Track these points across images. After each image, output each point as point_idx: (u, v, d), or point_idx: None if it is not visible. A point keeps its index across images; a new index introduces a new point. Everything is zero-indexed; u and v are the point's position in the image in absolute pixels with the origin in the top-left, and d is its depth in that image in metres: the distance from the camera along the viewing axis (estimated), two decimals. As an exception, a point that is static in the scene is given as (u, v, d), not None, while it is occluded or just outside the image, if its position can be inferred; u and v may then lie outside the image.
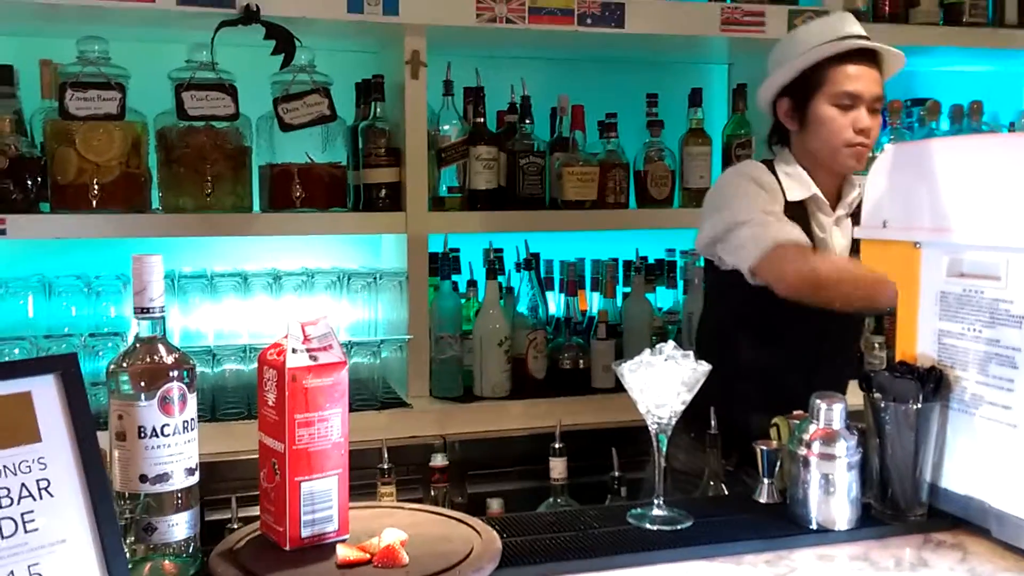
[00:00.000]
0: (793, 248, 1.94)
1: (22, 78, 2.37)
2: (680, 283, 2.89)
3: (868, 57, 2.06)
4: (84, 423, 1.08)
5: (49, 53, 2.36)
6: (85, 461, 1.07)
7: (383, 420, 2.40)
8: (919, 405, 1.45)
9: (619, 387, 2.79)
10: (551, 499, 1.93)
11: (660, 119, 2.83)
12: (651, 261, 2.87)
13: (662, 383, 1.44)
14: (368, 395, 2.49)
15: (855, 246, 2.05)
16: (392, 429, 2.33)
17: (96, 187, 2.29)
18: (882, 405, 1.47)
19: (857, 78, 2.03)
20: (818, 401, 1.44)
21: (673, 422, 1.48)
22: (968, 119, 3.01)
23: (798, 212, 2.08)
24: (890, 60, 2.11)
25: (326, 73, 2.45)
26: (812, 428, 1.44)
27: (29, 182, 2.26)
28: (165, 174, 2.40)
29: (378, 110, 2.54)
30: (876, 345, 2.93)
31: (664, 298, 2.92)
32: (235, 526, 1.73)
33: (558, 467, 1.92)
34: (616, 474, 2.00)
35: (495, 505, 1.93)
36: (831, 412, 1.43)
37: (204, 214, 2.37)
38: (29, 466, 1.04)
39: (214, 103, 2.34)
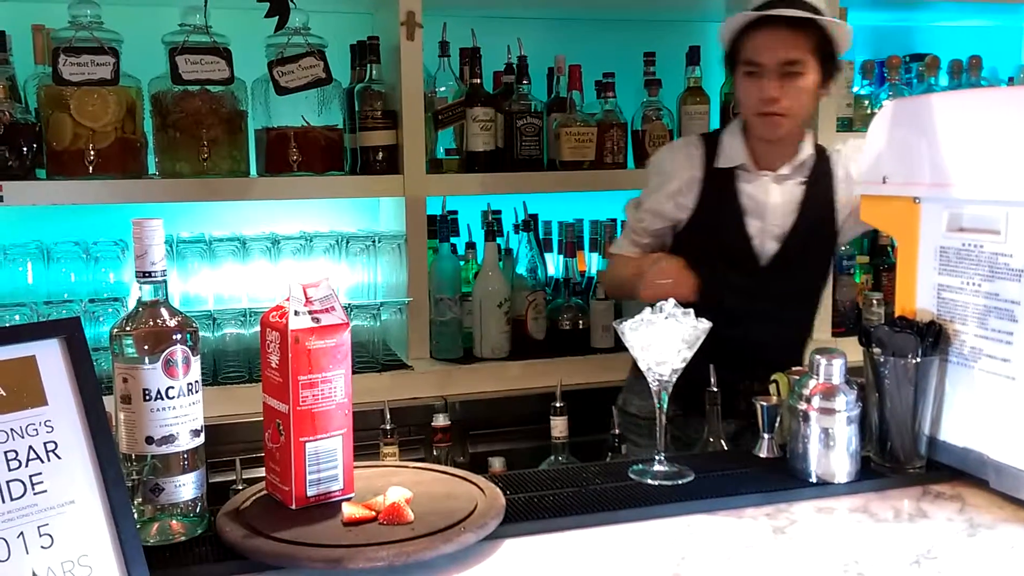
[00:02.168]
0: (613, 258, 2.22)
1: (14, 44, 2.35)
2: (678, 243, 2.89)
3: (788, 22, 1.99)
4: (89, 386, 1.08)
5: (41, 18, 2.34)
6: (91, 423, 1.07)
7: (384, 382, 2.41)
8: (918, 359, 1.46)
9: (618, 347, 2.81)
10: (552, 457, 1.95)
11: (658, 78, 2.81)
12: (649, 221, 2.86)
13: (663, 341, 1.45)
14: (369, 357, 2.50)
15: (805, 208, 2.10)
16: (394, 391, 2.35)
17: (92, 153, 2.28)
18: (881, 360, 1.48)
19: (759, 46, 2.01)
20: (818, 356, 1.45)
21: (674, 379, 1.49)
22: (967, 74, 3.00)
23: (724, 177, 2.12)
24: (829, 24, 2.04)
25: (321, 35, 2.43)
26: (812, 383, 1.45)
27: (24, 148, 2.25)
28: (161, 139, 2.39)
29: (374, 72, 2.52)
30: (874, 301, 2.92)
31: (663, 258, 2.92)
32: (240, 487, 1.75)
33: (559, 426, 1.94)
34: (616, 432, 2.01)
35: (497, 464, 1.95)
36: (831, 367, 1.44)
37: (201, 179, 2.36)
38: (36, 429, 1.04)
39: (209, 67, 2.32)
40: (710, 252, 2.08)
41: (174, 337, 1.21)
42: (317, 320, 1.27)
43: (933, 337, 1.47)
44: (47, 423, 1.05)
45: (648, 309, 1.51)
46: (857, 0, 2.80)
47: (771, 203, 2.11)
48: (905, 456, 1.49)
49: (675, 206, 2.15)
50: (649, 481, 1.46)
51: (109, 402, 1.18)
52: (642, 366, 1.50)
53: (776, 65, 2.00)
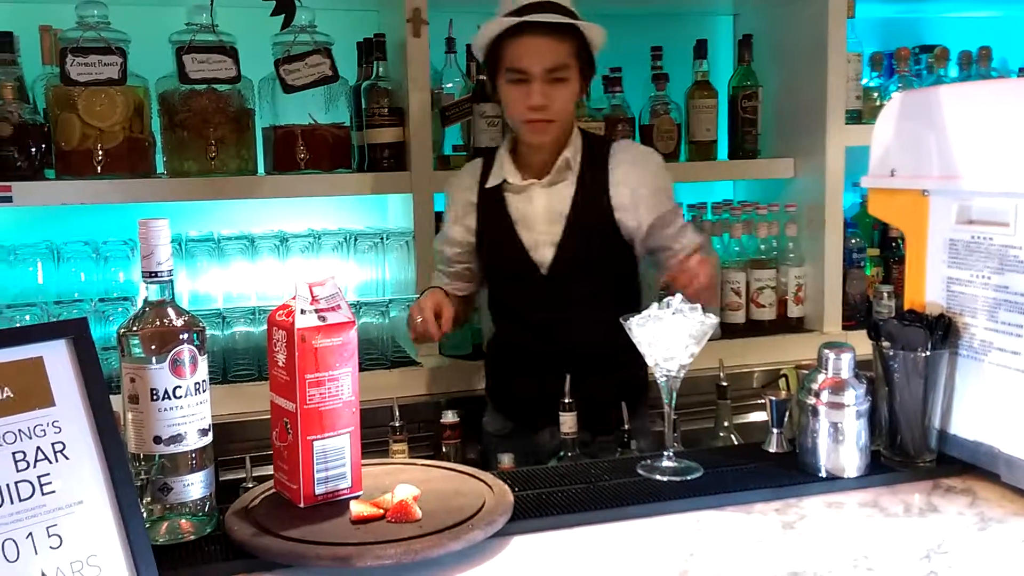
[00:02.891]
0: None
1: (22, 44, 2.35)
2: (687, 237, 2.88)
3: (548, 27, 1.96)
4: (97, 386, 1.08)
5: (48, 19, 2.35)
6: (99, 424, 1.08)
7: (394, 379, 2.41)
8: (928, 352, 1.45)
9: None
10: (562, 453, 1.94)
11: (665, 72, 2.80)
12: (658, 215, 2.86)
13: (670, 336, 1.45)
14: (378, 354, 2.50)
15: (578, 207, 2.07)
16: (403, 387, 2.35)
17: (100, 152, 2.28)
18: (891, 353, 1.47)
19: (525, 53, 1.97)
20: (826, 351, 1.45)
21: (682, 374, 1.49)
22: (977, 65, 2.98)
23: (495, 194, 2.13)
24: (584, 28, 2.00)
25: (327, 33, 2.43)
26: (821, 377, 1.45)
27: (33, 149, 2.26)
28: (169, 138, 2.39)
29: (380, 69, 2.52)
30: (885, 294, 2.92)
31: (671, 253, 2.91)
32: (249, 485, 1.75)
33: (568, 422, 1.93)
34: (626, 427, 2.01)
35: (506, 460, 1.94)
36: (839, 361, 1.44)
37: (209, 177, 2.37)
38: (44, 430, 1.05)
39: (215, 66, 2.32)
40: (497, 268, 2.17)
41: (181, 337, 1.21)
42: (323, 318, 1.28)
43: (943, 330, 1.46)
44: (55, 424, 1.05)
45: (655, 305, 1.50)
46: (865, -9, 2.78)
47: (537, 211, 2.09)
48: (915, 450, 1.49)
49: (463, 229, 2.18)
50: (658, 477, 1.46)
51: (117, 402, 1.18)
52: (649, 362, 1.49)
53: (542, 72, 1.97)
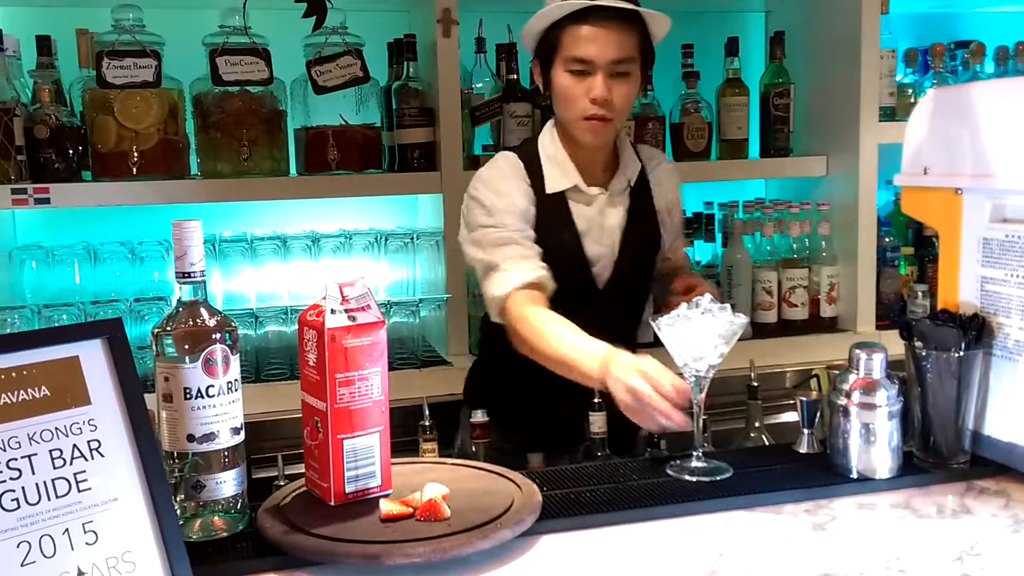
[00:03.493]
0: (512, 317, 1.82)
1: (59, 48, 2.39)
2: (718, 236, 2.87)
3: (616, 15, 1.81)
4: (131, 385, 1.10)
5: (85, 22, 2.39)
6: (134, 422, 1.09)
7: (424, 378, 2.42)
8: (961, 353, 1.43)
9: (657, 342, 2.81)
10: (592, 452, 1.94)
11: (696, 70, 2.79)
12: (688, 214, 2.84)
13: (699, 336, 1.44)
14: (408, 354, 2.51)
15: (633, 219, 1.97)
16: (433, 387, 2.36)
17: (135, 154, 2.32)
18: (923, 353, 1.46)
19: (590, 41, 1.81)
20: (858, 351, 1.44)
21: (711, 375, 1.48)
22: (1014, 60, 2.94)
23: (558, 202, 1.93)
24: (648, 18, 1.87)
25: (358, 34, 2.45)
26: (852, 378, 1.44)
27: (70, 151, 2.30)
28: (202, 139, 2.42)
29: (411, 70, 2.53)
30: (919, 293, 2.87)
31: (702, 251, 2.90)
32: (282, 483, 1.77)
33: (598, 421, 1.92)
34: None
35: (535, 460, 1.94)
36: (871, 362, 1.43)
37: (242, 178, 2.39)
38: (80, 428, 1.07)
39: (248, 68, 2.35)
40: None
41: (213, 336, 1.23)
42: (353, 318, 1.29)
43: (976, 330, 1.45)
44: (91, 422, 1.07)
45: (684, 305, 1.50)
46: (899, -13, 2.75)
47: (607, 224, 1.97)
48: (948, 451, 1.47)
49: (529, 222, 1.91)
50: (687, 477, 1.46)
51: (151, 400, 1.20)
52: (679, 362, 1.49)
53: (607, 64, 1.82)
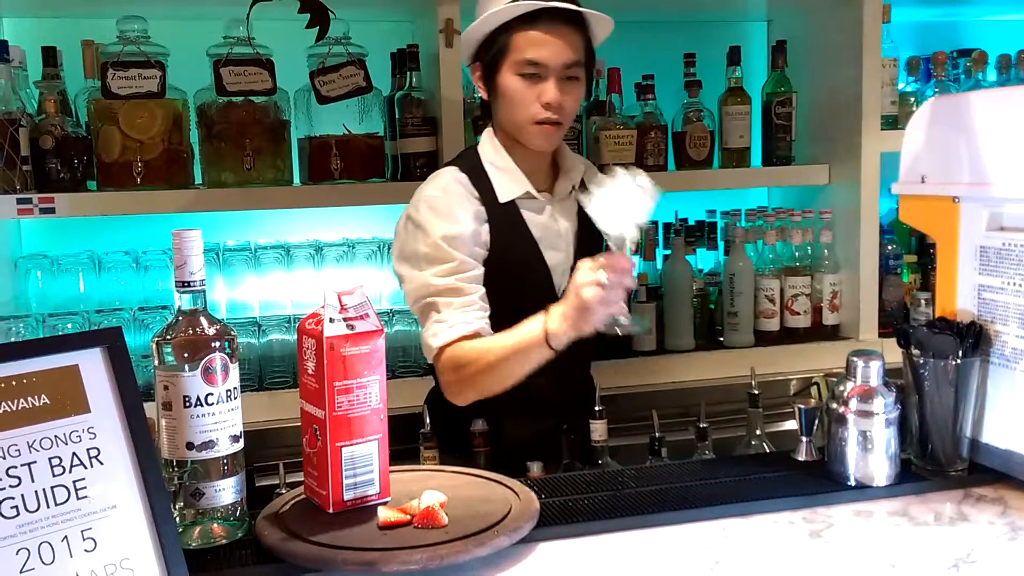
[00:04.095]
0: (448, 364, 1.79)
1: (65, 59, 2.42)
2: (721, 244, 2.87)
3: (564, 17, 1.81)
4: (130, 393, 1.11)
5: (90, 33, 2.41)
6: (133, 430, 1.11)
7: (425, 386, 2.42)
8: (958, 361, 1.44)
9: (660, 349, 2.81)
10: (593, 461, 1.94)
11: (698, 79, 2.80)
12: (691, 223, 2.85)
13: (623, 200, 1.52)
14: (411, 362, 2.52)
15: (583, 224, 1.91)
16: (433, 382, 2.36)
17: (140, 164, 2.33)
18: (921, 361, 1.46)
19: (542, 44, 1.79)
20: (855, 358, 1.44)
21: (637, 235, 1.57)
22: (1016, 68, 2.94)
23: (510, 211, 1.90)
24: (593, 21, 1.86)
25: (361, 44, 2.46)
26: (849, 385, 1.44)
27: (75, 161, 2.32)
28: (207, 150, 2.44)
29: (413, 79, 2.54)
30: (923, 301, 2.86)
31: (705, 259, 2.91)
32: (283, 491, 1.78)
33: (599, 429, 1.94)
34: (657, 435, 2.01)
35: (535, 468, 1.94)
36: (868, 369, 1.43)
37: (245, 188, 2.40)
38: (80, 436, 1.08)
39: (252, 78, 2.36)
40: (513, 294, 1.83)
41: (213, 345, 1.24)
42: (352, 327, 1.30)
43: (973, 338, 1.45)
44: (90, 430, 1.08)
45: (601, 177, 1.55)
46: (901, -4, 2.76)
47: (557, 229, 1.95)
48: (946, 459, 1.47)
49: (481, 248, 1.87)
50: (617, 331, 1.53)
51: (152, 409, 1.21)
52: (610, 229, 1.54)
53: (559, 67, 1.81)
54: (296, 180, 2.54)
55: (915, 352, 1.47)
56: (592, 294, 1.54)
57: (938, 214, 1.56)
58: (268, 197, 2.43)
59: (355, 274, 2.58)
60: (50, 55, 2.36)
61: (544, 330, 1.64)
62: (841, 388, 1.45)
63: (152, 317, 2.33)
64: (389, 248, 2.55)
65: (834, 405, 1.45)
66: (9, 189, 2.24)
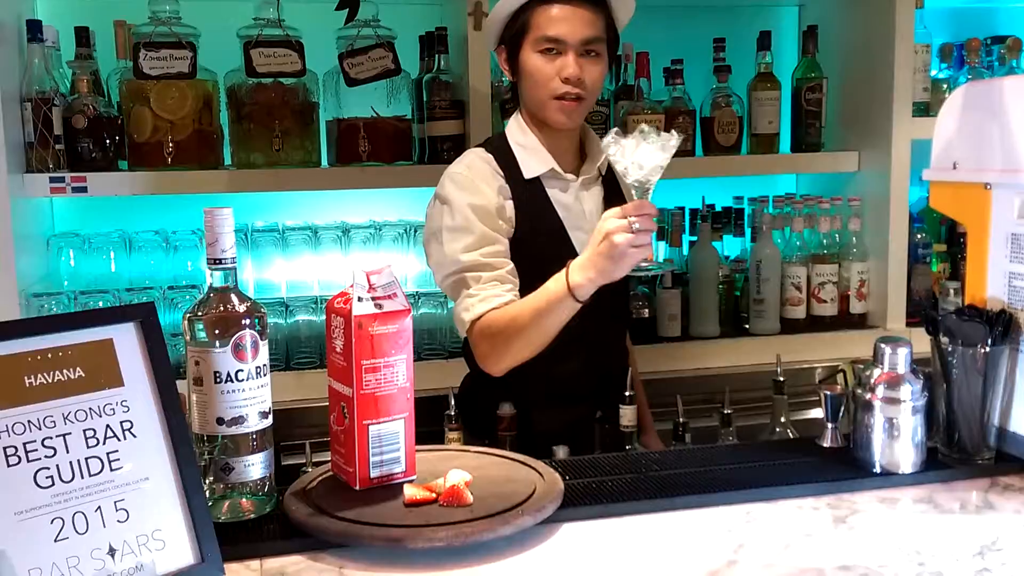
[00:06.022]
0: (481, 334, 1.83)
1: (97, 39, 2.43)
2: (748, 231, 2.86)
3: None
4: (163, 368, 1.13)
5: (123, 13, 2.43)
6: (165, 404, 1.12)
7: (451, 369, 2.44)
8: (987, 349, 1.43)
9: (685, 335, 2.81)
10: (621, 446, 1.94)
11: (727, 64, 2.78)
12: (718, 209, 2.84)
13: (644, 151, 1.57)
14: (436, 345, 2.54)
15: (608, 206, 1.84)
16: (460, 378, 2.37)
17: (170, 144, 2.36)
18: (949, 349, 1.45)
19: (561, 20, 1.84)
20: (883, 345, 1.43)
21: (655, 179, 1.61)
22: (1051, 56, 2.90)
23: (535, 189, 1.93)
24: (614, 2, 1.91)
25: (390, 27, 2.47)
26: (876, 372, 1.44)
27: (107, 141, 2.34)
28: (236, 130, 2.46)
29: (442, 62, 2.55)
30: (951, 291, 2.84)
31: (731, 246, 2.90)
32: (309, 470, 1.80)
33: (627, 415, 1.93)
34: (681, 420, 2.01)
35: (561, 453, 1.95)
36: (895, 356, 1.42)
37: (274, 169, 2.42)
38: (113, 408, 1.09)
39: (281, 60, 2.38)
40: (539, 275, 1.78)
41: (243, 322, 1.25)
42: (380, 306, 1.31)
43: (1003, 326, 1.44)
44: (123, 403, 1.10)
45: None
46: (935, -19, 2.72)
47: (584, 209, 1.97)
48: (973, 447, 1.47)
49: (506, 225, 1.90)
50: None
51: (183, 385, 1.23)
52: (630, 174, 1.58)
53: (578, 43, 1.85)
54: (324, 162, 2.55)
55: (943, 339, 1.46)
56: (624, 239, 1.57)
57: (969, 201, 1.54)
58: (296, 178, 2.45)
59: (382, 257, 2.59)
60: (83, 35, 2.38)
61: (566, 283, 1.68)
62: (868, 374, 1.45)
63: (181, 296, 2.36)
64: (416, 231, 2.57)
65: (860, 391, 1.44)
66: (42, 168, 2.27)
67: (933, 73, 2.86)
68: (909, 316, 2.81)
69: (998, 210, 1.50)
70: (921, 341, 2.55)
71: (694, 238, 2.81)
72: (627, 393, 1.93)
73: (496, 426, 1.97)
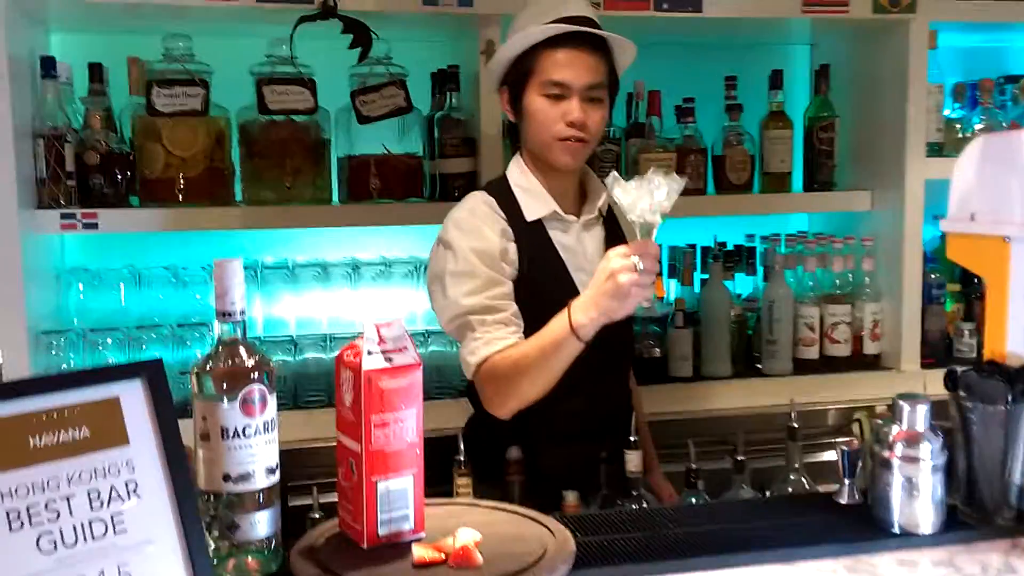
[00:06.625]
0: (486, 377, 1.85)
1: (111, 75, 2.44)
2: (760, 269, 2.84)
3: (589, 42, 1.88)
4: (169, 426, 1.11)
5: (136, 50, 2.43)
6: (170, 463, 1.11)
7: (460, 408, 2.41)
8: (1008, 406, 1.40)
9: (697, 375, 2.78)
10: (627, 492, 1.91)
11: (739, 102, 2.77)
12: (729, 247, 2.82)
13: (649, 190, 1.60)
14: (446, 383, 2.51)
15: (611, 247, 1.90)
16: (470, 411, 2.35)
17: (182, 181, 2.35)
18: (969, 406, 1.43)
19: (567, 65, 1.86)
20: (901, 402, 1.41)
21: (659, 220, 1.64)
22: (1066, 96, 2.88)
23: (537, 231, 1.94)
24: (616, 46, 1.93)
25: (402, 64, 2.47)
26: (895, 429, 1.41)
27: (119, 176, 2.34)
28: (247, 167, 2.45)
29: (453, 100, 2.54)
30: (966, 332, 2.84)
31: (743, 284, 2.87)
32: (316, 515, 1.78)
33: (634, 460, 1.90)
34: (693, 466, 1.98)
35: (571, 498, 1.92)
36: (915, 413, 1.40)
37: (285, 206, 2.41)
38: (119, 469, 1.08)
39: (294, 97, 2.38)
40: (542, 316, 1.79)
41: (251, 376, 1.23)
42: (390, 360, 1.29)
43: (1024, 384, 1.41)
44: (129, 462, 1.08)
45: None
46: (948, 23, 2.71)
47: (585, 250, 1.98)
48: (994, 506, 1.44)
49: (510, 267, 1.91)
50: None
51: (188, 428, 1.21)
52: (633, 214, 1.62)
53: (582, 88, 1.87)
54: (335, 198, 2.54)
55: (963, 395, 1.44)
56: (628, 279, 1.60)
57: (988, 253, 1.52)
58: (307, 216, 2.44)
59: (392, 293, 2.58)
60: (96, 71, 2.38)
61: (569, 324, 1.70)
62: (886, 431, 1.42)
63: (191, 334, 2.35)
64: (426, 268, 2.55)
65: (878, 449, 1.42)
66: (53, 204, 2.27)
67: (946, 113, 2.84)
68: (924, 357, 2.78)
69: (1018, 264, 1.48)
70: (936, 383, 2.51)
71: (706, 276, 2.79)
72: (632, 438, 1.90)
73: (504, 469, 1.95)
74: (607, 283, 1.63)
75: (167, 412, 1.12)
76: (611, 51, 1.95)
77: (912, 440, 1.39)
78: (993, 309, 1.53)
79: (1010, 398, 1.40)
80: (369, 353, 1.28)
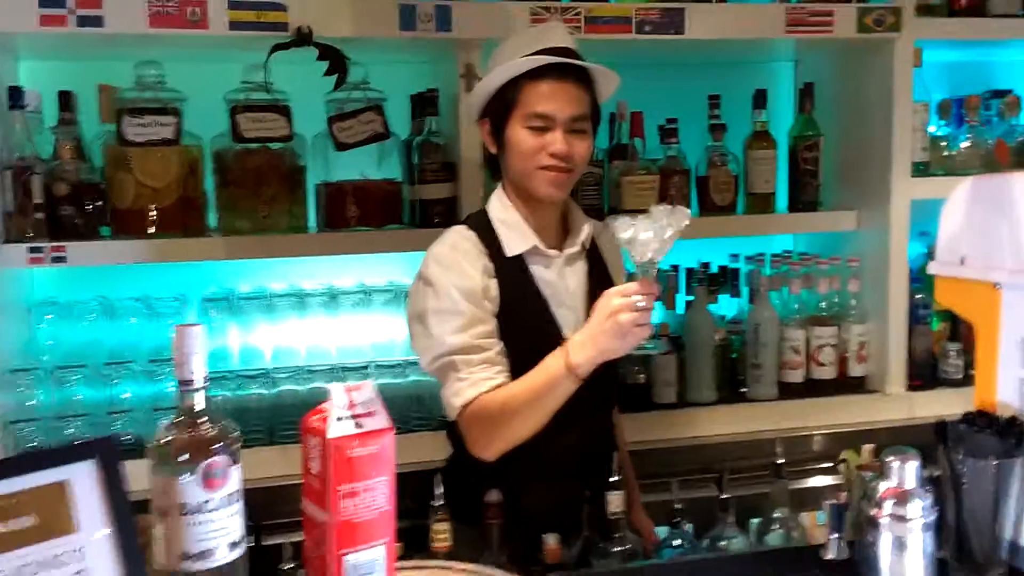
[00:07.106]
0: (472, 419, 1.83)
1: (82, 102, 2.37)
2: (744, 291, 2.80)
3: (572, 74, 1.86)
4: (122, 510, 1.07)
5: (107, 76, 2.36)
6: (124, 548, 1.06)
7: (440, 441, 2.37)
8: (999, 460, 1.36)
9: (681, 401, 2.74)
10: (609, 535, 1.87)
11: (722, 122, 2.73)
12: (714, 268, 2.78)
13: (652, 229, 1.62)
14: (426, 414, 2.46)
15: (594, 282, 1.96)
16: (449, 450, 2.30)
17: (154, 211, 2.29)
18: (959, 459, 1.39)
19: (550, 97, 1.84)
20: (890, 458, 1.37)
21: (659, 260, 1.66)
22: (1052, 112, 2.85)
23: (518, 266, 1.92)
24: (599, 77, 1.91)
25: (380, 89, 2.41)
26: (883, 486, 1.37)
27: (89, 207, 2.28)
28: (222, 196, 2.39)
29: (432, 125, 2.49)
30: (952, 352, 2.81)
31: (728, 306, 2.83)
32: (288, 567, 1.72)
33: (615, 501, 1.86)
34: (677, 506, 1.93)
35: (552, 541, 1.87)
36: (904, 470, 1.36)
37: (261, 236, 2.36)
38: (67, 558, 1.03)
39: (269, 125, 2.32)
40: (523, 353, 1.81)
41: (213, 448, 1.18)
42: (360, 425, 1.24)
43: (1015, 437, 1.38)
44: (78, 551, 1.03)
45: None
46: (933, 40, 2.67)
47: (567, 286, 1.95)
48: (984, 560, 1.40)
49: (491, 305, 1.89)
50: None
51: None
52: (636, 255, 1.64)
53: (566, 120, 1.85)
54: (312, 225, 2.49)
55: (953, 447, 1.40)
56: (628, 318, 1.61)
57: (978, 299, 1.48)
58: (283, 245, 2.39)
59: (371, 321, 2.53)
60: (66, 100, 2.32)
61: (566, 363, 1.71)
62: (874, 486, 1.38)
63: (162, 369, 2.29)
64: (405, 295, 2.50)
65: (866, 506, 1.38)
66: (21, 237, 2.20)
67: (931, 130, 2.80)
68: (910, 379, 2.75)
69: (1009, 311, 1.44)
70: (923, 406, 2.48)
71: (690, 299, 2.75)
72: (613, 479, 1.86)
73: (483, 512, 1.90)
74: (607, 322, 1.63)
75: (119, 495, 1.07)
76: (594, 82, 1.92)
77: (901, 498, 1.35)
78: (983, 357, 1.49)
79: (1001, 452, 1.36)
80: (339, 419, 1.23)
